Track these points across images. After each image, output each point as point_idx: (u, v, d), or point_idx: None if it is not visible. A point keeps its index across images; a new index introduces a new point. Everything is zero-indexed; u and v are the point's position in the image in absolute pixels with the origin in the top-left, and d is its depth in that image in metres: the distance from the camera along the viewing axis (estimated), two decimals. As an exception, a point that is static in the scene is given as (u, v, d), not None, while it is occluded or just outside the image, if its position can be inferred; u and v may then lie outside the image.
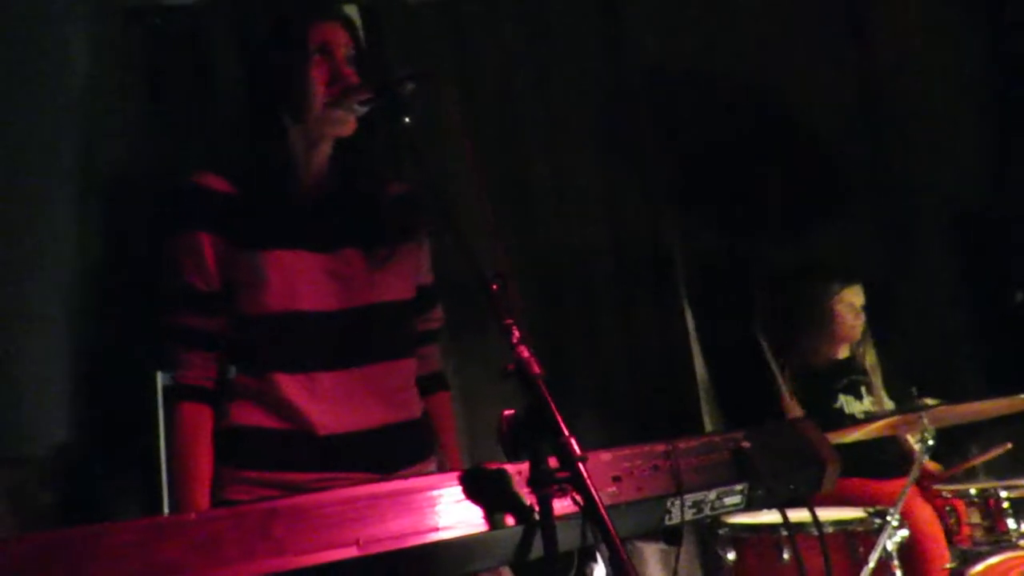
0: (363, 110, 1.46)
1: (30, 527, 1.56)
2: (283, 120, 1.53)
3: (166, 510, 1.79)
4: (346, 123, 1.50)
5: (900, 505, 2.18)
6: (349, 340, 1.52)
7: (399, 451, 1.56)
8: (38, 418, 1.78)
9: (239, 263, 1.49)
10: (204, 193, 1.50)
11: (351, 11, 1.58)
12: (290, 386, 1.48)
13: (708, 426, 2.96)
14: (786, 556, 2.15)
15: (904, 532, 2.18)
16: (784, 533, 2.14)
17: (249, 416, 1.49)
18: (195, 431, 1.47)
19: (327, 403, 1.49)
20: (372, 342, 1.55)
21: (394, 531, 0.99)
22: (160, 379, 1.69)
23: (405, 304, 1.62)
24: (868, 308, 2.97)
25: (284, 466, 1.46)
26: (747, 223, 3.12)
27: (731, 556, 2.27)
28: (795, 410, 2.81)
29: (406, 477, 1.11)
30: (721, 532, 2.30)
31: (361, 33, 1.60)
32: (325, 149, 1.56)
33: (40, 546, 0.83)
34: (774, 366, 2.85)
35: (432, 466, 1.62)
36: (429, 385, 1.71)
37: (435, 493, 1.04)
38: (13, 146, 1.79)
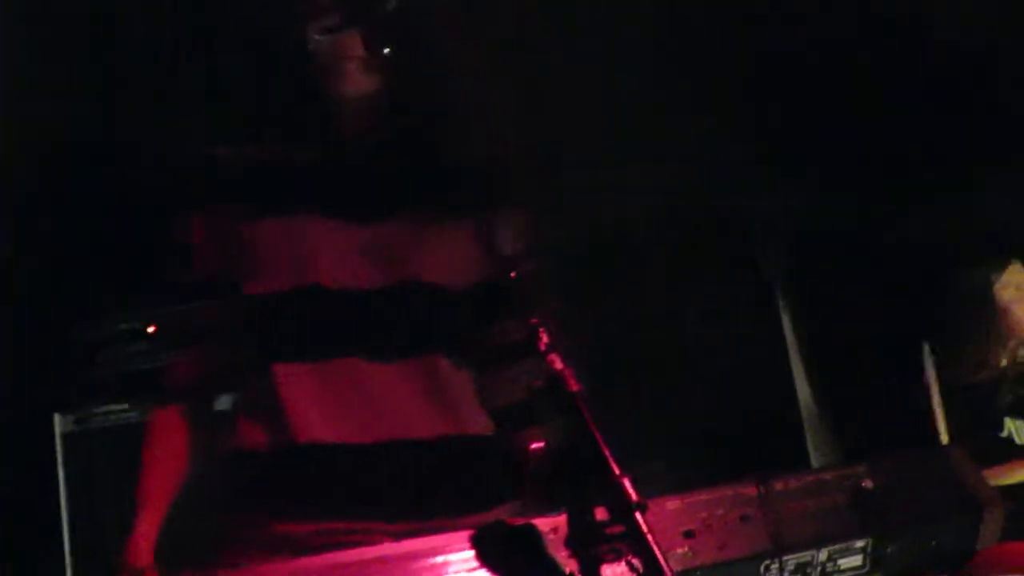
0: (322, 39, 1.47)
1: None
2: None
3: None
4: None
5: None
6: (384, 326, 1.51)
7: (447, 479, 1.47)
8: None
9: (236, 237, 1.53)
10: (202, 159, 1.57)
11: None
12: (292, 380, 1.46)
13: (814, 461, 2.88)
14: (930, 642, 2.04)
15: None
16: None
17: (247, 436, 1.50)
18: (167, 443, 1.54)
19: (341, 402, 1.47)
20: (423, 330, 1.52)
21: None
22: (58, 424, 1.71)
23: (463, 290, 1.56)
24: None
25: (280, 514, 1.43)
26: (862, 190, 2.98)
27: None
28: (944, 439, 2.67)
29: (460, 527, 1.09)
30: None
31: None
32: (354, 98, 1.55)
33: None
34: (928, 380, 2.70)
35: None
36: None
37: (440, 559, 1.04)
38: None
